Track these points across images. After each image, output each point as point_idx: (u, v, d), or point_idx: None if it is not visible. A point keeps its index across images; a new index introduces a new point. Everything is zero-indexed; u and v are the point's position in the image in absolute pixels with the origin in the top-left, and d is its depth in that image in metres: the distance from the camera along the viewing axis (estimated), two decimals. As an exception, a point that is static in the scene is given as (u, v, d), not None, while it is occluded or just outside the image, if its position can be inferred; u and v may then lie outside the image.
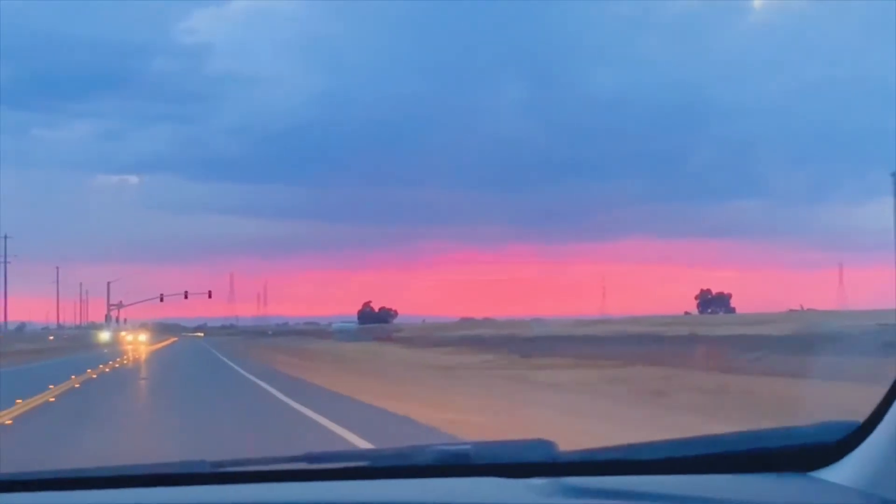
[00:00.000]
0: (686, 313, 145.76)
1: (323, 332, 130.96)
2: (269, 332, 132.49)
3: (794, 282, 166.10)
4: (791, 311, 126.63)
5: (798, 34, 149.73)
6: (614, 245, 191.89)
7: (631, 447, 2.57)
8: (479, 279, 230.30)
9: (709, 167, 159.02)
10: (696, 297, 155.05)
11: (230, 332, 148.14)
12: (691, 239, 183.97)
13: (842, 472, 2.22)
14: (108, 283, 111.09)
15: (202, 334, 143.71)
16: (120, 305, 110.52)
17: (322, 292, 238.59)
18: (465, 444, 2.64)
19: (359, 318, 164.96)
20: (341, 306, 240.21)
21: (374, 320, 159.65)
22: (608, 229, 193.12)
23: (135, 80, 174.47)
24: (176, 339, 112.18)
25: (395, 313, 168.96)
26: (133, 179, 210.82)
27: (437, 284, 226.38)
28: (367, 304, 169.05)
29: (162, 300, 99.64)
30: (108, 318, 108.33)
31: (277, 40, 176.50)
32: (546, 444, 2.56)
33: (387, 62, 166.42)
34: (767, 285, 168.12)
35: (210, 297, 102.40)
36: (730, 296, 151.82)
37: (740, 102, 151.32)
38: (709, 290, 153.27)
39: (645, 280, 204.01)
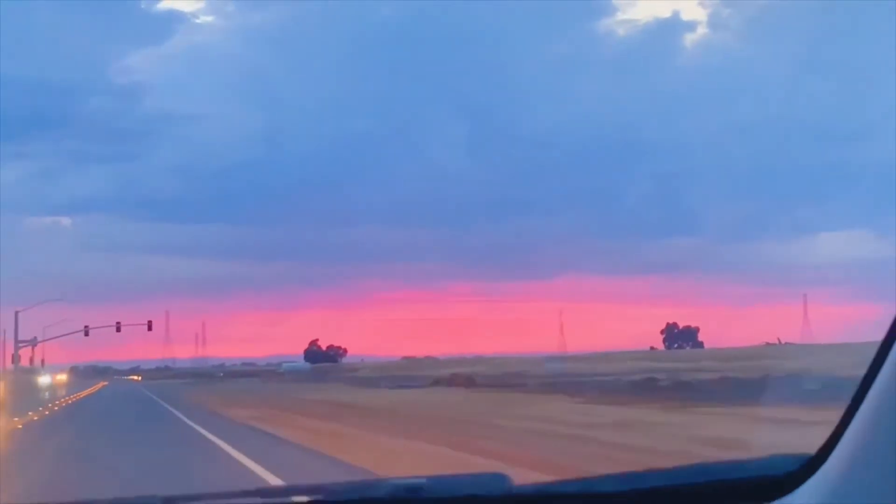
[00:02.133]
0: (651, 349, 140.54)
1: (270, 373, 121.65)
2: (220, 375, 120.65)
3: (752, 316, 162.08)
4: (768, 344, 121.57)
5: (729, 73, 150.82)
6: (551, 283, 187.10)
7: (586, 480, 2.59)
8: (419, 318, 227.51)
9: (645, 204, 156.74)
10: (662, 332, 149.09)
11: (169, 375, 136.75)
12: (636, 275, 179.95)
13: None
14: (17, 313, 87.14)
15: (139, 377, 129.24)
16: (33, 342, 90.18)
17: (260, 333, 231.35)
18: (420, 478, 2.58)
19: (305, 357, 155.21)
20: (280, 346, 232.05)
21: (322, 359, 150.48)
22: (548, 266, 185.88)
23: (69, 120, 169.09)
24: (106, 382, 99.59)
25: (345, 352, 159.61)
26: (66, 220, 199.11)
27: (377, 324, 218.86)
28: (313, 343, 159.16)
29: (87, 334, 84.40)
30: (15, 358, 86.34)
31: (215, 79, 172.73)
32: (500, 478, 2.57)
33: (326, 101, 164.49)
34: (730, 320, 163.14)
35: (150, 328, 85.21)
36: (697, 329, 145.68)
37: (673, 140, 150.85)
38: (675, 324, 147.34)
39: (593, 317, 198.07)
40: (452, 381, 49.91)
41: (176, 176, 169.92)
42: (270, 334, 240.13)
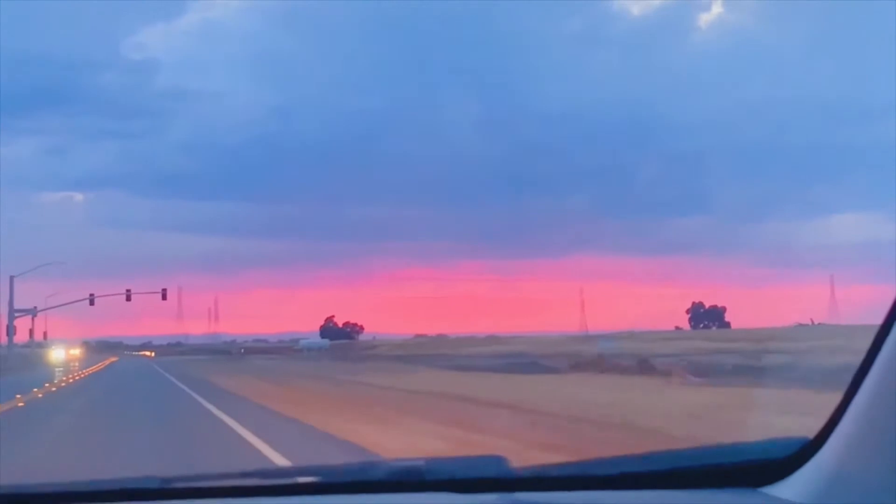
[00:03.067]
0: (677, 328, 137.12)
1: (286, 349, 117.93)
2: (241, 351, 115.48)
3: (775, 296, 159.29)
4: (800, 325, 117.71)
5: (744, 53, 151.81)
6: (565, 262, 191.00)
7: (584, 463, 2.59)
8: (429, 296, 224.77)
9: (659, 183, 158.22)
10: (688, 312, 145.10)
11: (182, 351, 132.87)
12: (651, 255, 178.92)
13: (791, 488, 2.26)
14: (11, 279, 79.40)
15: (151, 353, 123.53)
16: (32, 312, 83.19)
17: (271, 309, 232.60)
18: (419, 459, 2.62)
19: (322, 333, 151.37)
20: (291, 323, 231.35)
21: (339, 336, 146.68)
22: (562, 246, 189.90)
23: (82, 96, 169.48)
24: (115, 358, 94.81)
25: (361, 329, 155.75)
26: (78, 196, 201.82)
27: (387, 302, 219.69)
28: (329, 320, 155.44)
29: (92, 303, 77.88)
30: (9, 330, 79.74)
31: (228, 56, 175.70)
32: (498, 460, 2.59)
33: (338, 78, 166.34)
34: (754, 300, 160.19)
35: (164, 297, 77.60)
36: (724, 309, 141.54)
37: (688, 119, 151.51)
38: (701, 304, 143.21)
39: (609, 296, 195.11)
40: (595, 366, 38.85)
41: (188, 152, 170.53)
42: (281, 311, 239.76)
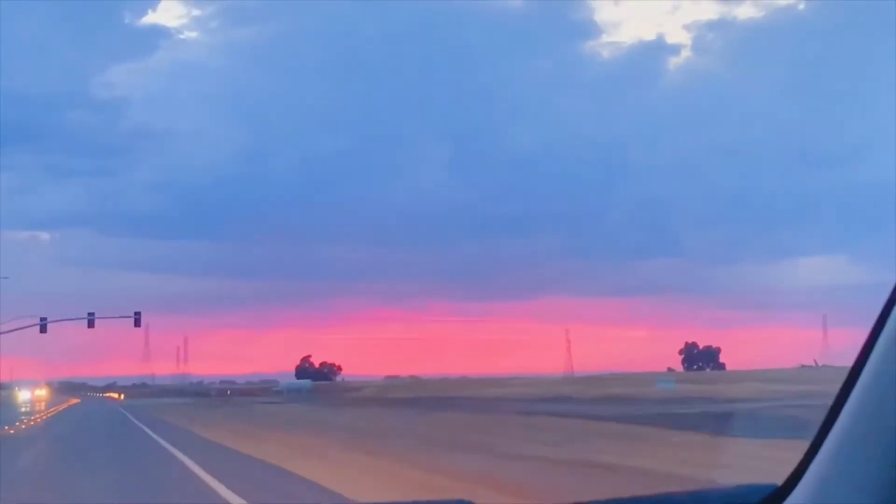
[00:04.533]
0: (669, 369, 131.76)
1: (264, 391, 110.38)
2: (228, 392, 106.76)
3: (766, 338, 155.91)
4: (803, 366, 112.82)
5: (711, 97, 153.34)
6: (540, 303, 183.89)
7: None
8: (400, 337, 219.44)
9: (627, 226, 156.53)
10: (680, 352, 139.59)
11: (152, 392, 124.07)
12: (632, 296, 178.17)
13: None
14: None
15: (119, 395, 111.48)
16: None
17: (238, 351, 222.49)
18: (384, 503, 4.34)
19: (297, 374, 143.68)
20: (258, 365, 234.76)
21: (315, 377, 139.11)
22: (537, 287, 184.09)
23: (49, 133, 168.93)
24: (77, 400, 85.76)
25: (339, 370, 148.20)
26: (44, 236, 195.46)
27: (357, 343, 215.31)
28: (305, 360, 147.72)
29: (44, 329, 63.95)
30: None
31: (197, 95, 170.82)
32: None
33: (308, 118, 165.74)
34: (742, 342, 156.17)
35: (137, 324, 65.19)
36: (718, 350, 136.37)
37: (655, 162, 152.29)
38: (695, 344, 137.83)
39: (591, 338, 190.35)
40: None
41: (155, 192, 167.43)
42: (248, 353, 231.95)
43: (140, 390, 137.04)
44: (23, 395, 74.68)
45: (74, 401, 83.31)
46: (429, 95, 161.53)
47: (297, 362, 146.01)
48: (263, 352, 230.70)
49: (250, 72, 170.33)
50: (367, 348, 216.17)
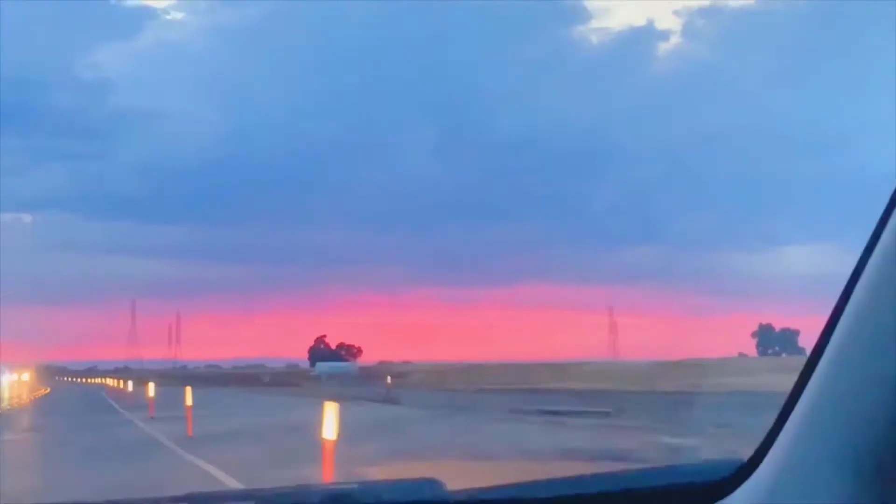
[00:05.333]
0: (741, 354, 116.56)
1: (292, 375, 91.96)
2: (265, 380, 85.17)
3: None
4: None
5: (700, 82, 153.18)
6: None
7: (521, 485, 2.54)
8: (385, 323, 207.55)
9: (612, 212, 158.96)
10: (754, 335, 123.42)
11: (143, 376, 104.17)
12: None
13: None
14: None
15: (119, 383, 68.33)
16: None
17: (222, 335, 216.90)
18: (352, 483, 2.61)
19: (312, 356, 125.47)
20: (244, 349, 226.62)
21: (331, 359, 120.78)
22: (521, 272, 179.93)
23: (33, 115, 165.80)
24: (46, 391, 65.94)
25: (360, 352, 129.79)
26: (27, 218, 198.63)
27: (341, 328, 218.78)
28: (320, 340, 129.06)
29: None
30: None
31: (184, 77, 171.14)
32: (434, 484, 2.54)
33: (294, 102, 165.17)
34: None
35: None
36: (798, 332, 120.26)
37: (642, 148, 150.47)
38: (770, 326, 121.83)
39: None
40: None
41: (140, 174, 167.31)
42: (233, 337, 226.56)
43: (124, 374, 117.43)
44: (3, 381, 64.76)
45: (44, 391, 64.39)
46: (415, 80, 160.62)
47: (315, 342, 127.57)
48: (249, 336, 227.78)
49: (237, 54, 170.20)
50: (356, 334, 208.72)
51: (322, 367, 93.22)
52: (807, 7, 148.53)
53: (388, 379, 57.46)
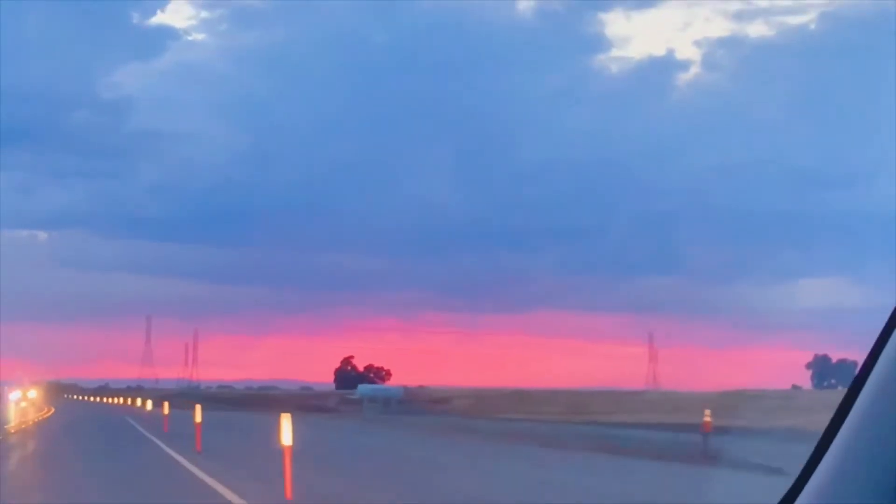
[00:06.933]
0: (794, 387, 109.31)
1: (327, 400, 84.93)
2: (311, 403, 75.89)
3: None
4: None
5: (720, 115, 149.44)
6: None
7: None
8: (402, 348, 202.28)
9: (627, 242, 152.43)
10: (808, 366, 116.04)
11: (179, 400, 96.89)
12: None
13: None
14: None
15: (138, 402, 67.01)
16: None
17: (234, 356, 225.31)
18: None
19: (337, 378, 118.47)
20: (254, 371, 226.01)
21: (359, 381, 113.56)
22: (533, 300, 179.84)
23: (52, 133, 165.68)
24: (51, 410, 59.55)
25: (389, 374, 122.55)
26: (43, 235, 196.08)
27: (365, 352, 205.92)
28: (347, 361, 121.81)
29: None
30: None
31: (203, 98, 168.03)
32: None
33: (313, 125, 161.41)
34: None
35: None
36: (855, 364, 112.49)
37: (661, 180, 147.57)
38: (827, 357, 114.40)
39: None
40: None
41: (158, 194, 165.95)
42: (244, 358, 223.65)
43: (138, 394, 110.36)
44: (13, 398, 63.21)
45: (49, 410, 58.14)
46: (434, 106, 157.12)
47: (341, 364, 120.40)
48: (258, 358, 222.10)
49: (257, 76, 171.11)
50: (369, 357, 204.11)
51: (364, 389, 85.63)
52: (827, 40, 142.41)
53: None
